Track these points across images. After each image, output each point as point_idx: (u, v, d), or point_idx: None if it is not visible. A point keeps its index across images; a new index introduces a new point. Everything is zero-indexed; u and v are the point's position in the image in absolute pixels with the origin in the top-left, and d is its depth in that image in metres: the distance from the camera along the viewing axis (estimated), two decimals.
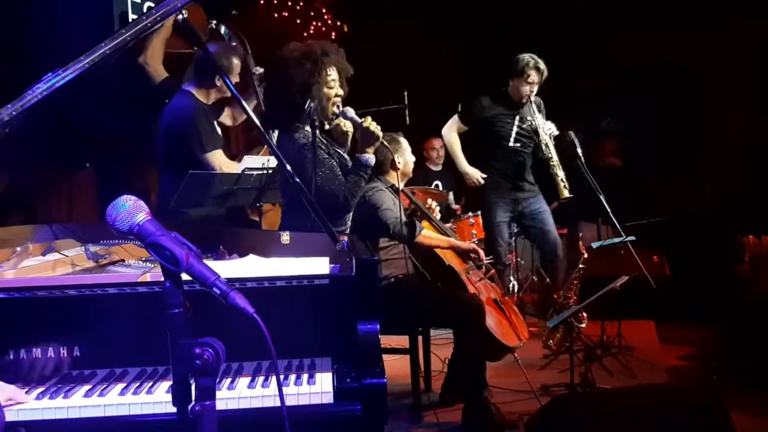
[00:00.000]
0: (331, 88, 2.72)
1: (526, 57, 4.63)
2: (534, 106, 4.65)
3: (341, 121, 2.81)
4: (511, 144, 4.70)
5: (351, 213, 2.83)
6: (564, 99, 5.22)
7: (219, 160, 3.47)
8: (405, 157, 3.64)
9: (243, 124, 4.22)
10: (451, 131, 4.92)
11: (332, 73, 2.73)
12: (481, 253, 3.68)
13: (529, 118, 4.66)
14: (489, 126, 4.76)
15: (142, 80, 3.75)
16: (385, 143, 2.95)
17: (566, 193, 4.51)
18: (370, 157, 2.75)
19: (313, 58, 2.68)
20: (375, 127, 2.73)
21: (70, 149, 3.72)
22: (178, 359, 1.19)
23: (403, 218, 3.33)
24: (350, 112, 2.78)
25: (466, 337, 3.27)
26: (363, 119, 2.76)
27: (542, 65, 4.61)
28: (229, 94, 3.52)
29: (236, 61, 3.59)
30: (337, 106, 2.75)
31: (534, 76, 4.60)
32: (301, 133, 2.69)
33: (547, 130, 4.58)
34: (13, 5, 3.41)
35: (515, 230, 5.10)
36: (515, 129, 4.68)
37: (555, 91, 4.78)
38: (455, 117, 4.91)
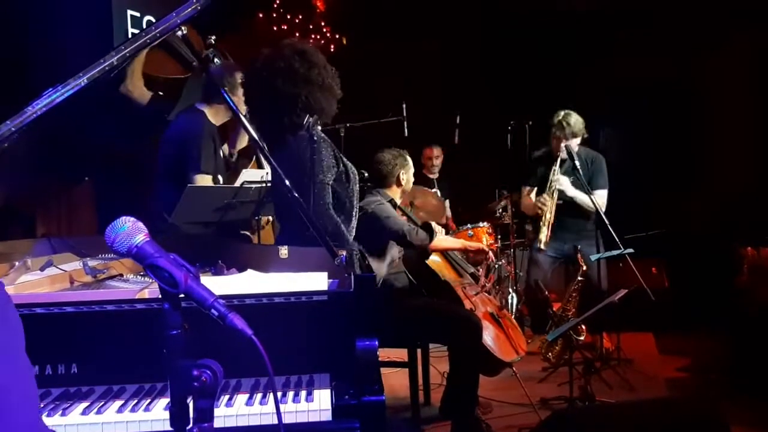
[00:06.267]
0: None
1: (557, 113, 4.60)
2: (558, 162, 4.51)
3: None
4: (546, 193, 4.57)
5: (355, 220, 2.84)
6: None
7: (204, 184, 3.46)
8: (408, 175, 3.67)
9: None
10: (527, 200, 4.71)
11: None
12: (491, 254, 3.81)
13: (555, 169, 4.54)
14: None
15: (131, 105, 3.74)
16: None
17: (543, 240, 4.44)
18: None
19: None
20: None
21: (69, 163, 3.72)
22: (176, 381, 1.18)
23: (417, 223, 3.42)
24: None
25: (461, 356, 3.24)
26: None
27: (565, 120, 4.49)
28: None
29: (239, 78, 3.60)
30: None
31: (556, 132, 4.52)
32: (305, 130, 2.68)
33: (555, 180, 4.49)
34: (13, 20, 3.43)
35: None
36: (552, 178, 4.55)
37: (553, 108, 4.74)
38: (524, 188, 4.74)
